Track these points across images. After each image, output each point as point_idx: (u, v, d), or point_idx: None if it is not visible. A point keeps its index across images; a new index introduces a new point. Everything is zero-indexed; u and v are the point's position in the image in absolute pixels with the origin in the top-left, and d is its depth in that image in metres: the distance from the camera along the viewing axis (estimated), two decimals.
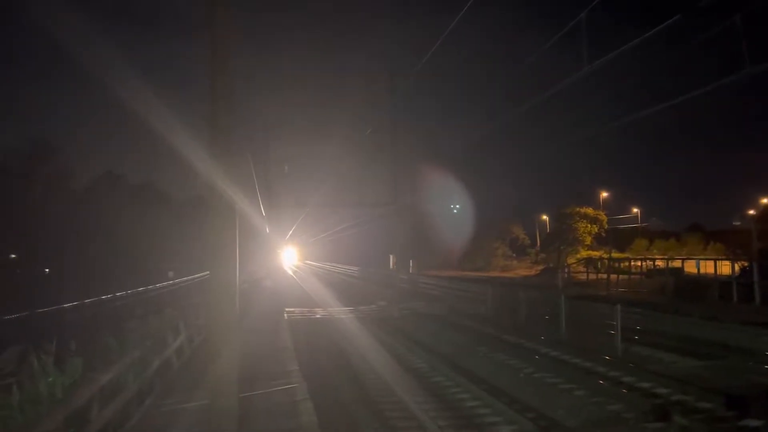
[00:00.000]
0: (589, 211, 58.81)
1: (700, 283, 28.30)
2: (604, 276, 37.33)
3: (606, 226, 59.17)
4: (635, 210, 66.97)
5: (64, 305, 26.45)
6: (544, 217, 69.69)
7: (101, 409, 7.14)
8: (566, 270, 45.97)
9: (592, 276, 39.57)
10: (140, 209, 58.99)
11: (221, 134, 6.85)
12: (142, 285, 38.67)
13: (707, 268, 31.33)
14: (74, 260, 47.00)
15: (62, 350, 9.90)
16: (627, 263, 41.51)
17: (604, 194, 65.68)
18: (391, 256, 61.71)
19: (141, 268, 53.35)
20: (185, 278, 48.38)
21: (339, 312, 23.87)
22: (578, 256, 56.06)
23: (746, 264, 24.89)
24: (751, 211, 45.16)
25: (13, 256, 52.42)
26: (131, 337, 12.86)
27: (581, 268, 45.30)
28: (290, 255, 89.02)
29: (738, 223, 50.26)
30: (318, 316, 23.63)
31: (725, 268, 27.92)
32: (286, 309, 23.89)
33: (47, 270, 50.12)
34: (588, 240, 58.78)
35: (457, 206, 64.37)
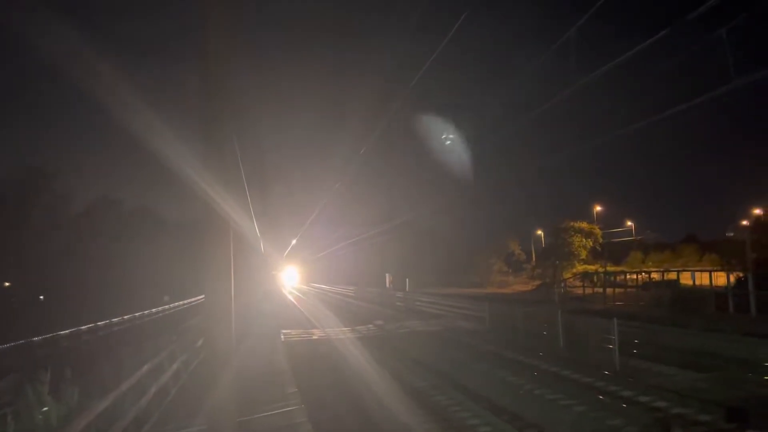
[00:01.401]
0: (584, 225, 59.03)
1: (696, 294, 28.36)
2: (600, 290, 37.36)
3: (601, 240, 59.34)
4: (629, 223, 67.21)
5: (60, 333, 26.21)
6: (539, 232, 69.88)
7: None
8: (562, 285, 46.00)
9: (589, 290, 39.59)
10: (136, 234, 58.89)
11: (215, 151, 6.90)
12: (137, 310, 38.43)
13: (703, 279, 31.41)
14: (70, 286, 46.77)
15: (58, 378, 9.82)
16: (623, 276, 41.57)
17: (598, 208, 65.95)
18: (387, 275, 61.69)
19: (137, 293, 53.05)
20: (181, 302, 48.14)
21: (336, 333, 23.80)
22: (574, 270, 56.14)
23: (741, 275, 24.96)
24: (745, 222, 45.41)
25: (7, 284, 52.11)
26: (127, 363, 12.75)
27: (577, 283, 45.34)
28: (290, 276, 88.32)
29: (732, 234, 50.46)
30: (315, 337, 23.52)
31: (720, 279, 28.00)
32: (283, 331, 23.80)
33: (42, 297, 49.80)
34: (583, 254, 58.91)
35: (452, 221, 64.53)
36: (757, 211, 44.43)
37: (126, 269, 53.33)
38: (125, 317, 35.36)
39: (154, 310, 41.70)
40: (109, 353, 15.20)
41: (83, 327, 28.81)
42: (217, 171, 6.81)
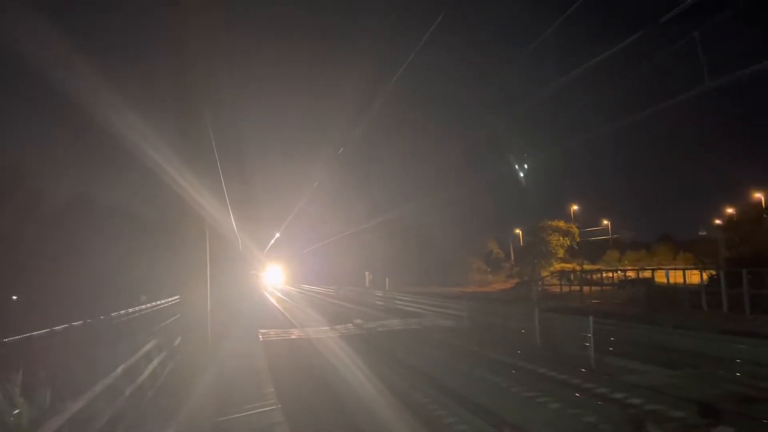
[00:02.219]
0: (561, 224, 59.63)
1: (670, 292, 28.83)
2: (578, 288, 37.76)
3: (578, 239, 60.03)
4: (606, 222, 68.04)
5: (33, 333, 25.74)
6: (518, 231, 70.41)
7: None
8: (540, 283, 46.42)
9: (566, 288, 39.99)
10: (112, 232, 58.08)
11: (191, 145, 6.84)
12: (113, 309, 37.92)
13: (677, 277, 31.92)
14: (44, 286, 45.95)
15: (30, 380, 9.65)
16: (599, 275, 42.07)
17: (575, 207, 66.65)
18: (366, 273, 61.69)
19: (113, 292, 52.32)
20: (158, 302, 47.61)
21: (315, 332, 23.76)
22: (551, 268, 56.69)
23: (714, 273, 25.41)
24: (718, 221, 46.25)
25: None
26: (102, 364, 12.58)
27: (555, 281, 45.78)
28: (273, 275, 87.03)
29: (705, 233, 51.39)
30: (294, 336, 23.44)
31: (694, 277, 28.47)
32: (261, 331, 23.68)
33: (15, 297, 48.87)
34: (561, 253, 59.51)
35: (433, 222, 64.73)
36: (730, 211, 45.33)
37: (102, 269, 52.58)
38: (101, 317, 34.86)
39: (130, 309, 41.20)
40: (83, 353, 14.99)
41: (57, 327, 28.35)
42: (195, 166, 6.76)
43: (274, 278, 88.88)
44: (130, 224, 66.17)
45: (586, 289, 36.81)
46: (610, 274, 40.76)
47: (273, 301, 51.38)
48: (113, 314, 36.73)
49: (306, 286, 75.47)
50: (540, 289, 42.07)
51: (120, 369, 10.15)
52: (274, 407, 10.26)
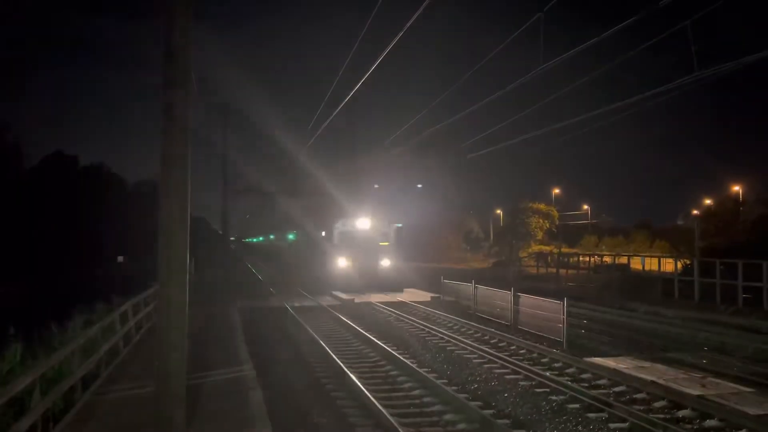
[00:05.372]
0: (542, 206, 60.06)
1: (644, 279, 29.30)
2: (554, 270, 38.22)
3: (557, 222, 60.59)
4: (585, 207, 68.70)
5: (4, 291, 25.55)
6: (499, 211, 70.78)
7: (42, 397, 6.95)
8: (517, 264, 46.89)
9: (542, 270, 40.44)
10: (91, 192, 57.34)
11: (176, 125, 6.73)
12: (92, 269, 37.72)
13: (652, 264, 32.44)
14: (18, 244, 45.35)
15: (1, 336, 9.56)
16: (576, 258, 42.57)
17: (556, 191, 67.14)
18: None
19: (91, 252, 51.90)
20: (136, 264, 47.35)
21: (302, 302, 24.09)
22: (530, 250, 57.24)
23: (688, 262, 25.84)
24: (695, 211, 46.91)
25: None
26: (77, 322, 12.50)
27: (532, 262, 46.26)
28: None
29: (682, 222, 52.12)
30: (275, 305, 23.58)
31: (669, 265, 28.94)
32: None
33: None
34: (540, 235, 60.05)
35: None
36: (708, 202, 45.98)
37: (79, 228, 52.03)
38: (77, 277, 34.67)
39: (109, 270, 41.01)
40: (58, 313, 14.91)
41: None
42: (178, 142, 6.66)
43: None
44: (111, 184, 65.43)
45: (562, 271, 37.27)
46: (587, 259, 41.25)
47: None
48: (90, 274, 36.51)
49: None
50: (517, 269, 42.50)
51: (95, 328, 10.14)
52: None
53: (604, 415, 9.12)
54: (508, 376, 11.72)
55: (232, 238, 71.55)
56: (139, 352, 12.21)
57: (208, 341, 13.61)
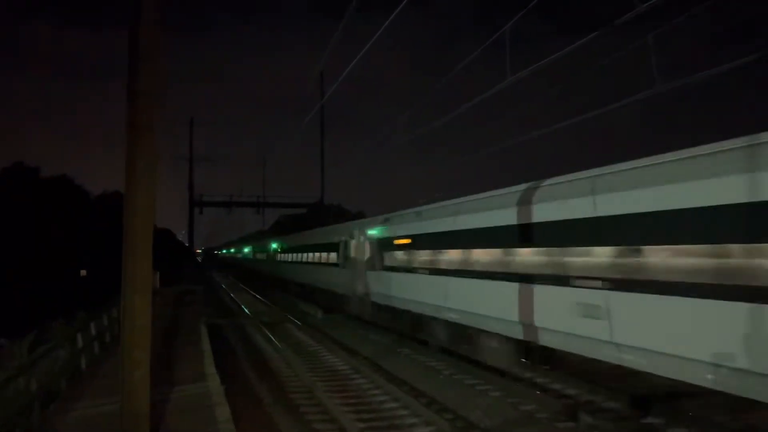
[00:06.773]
0: None
1: None
2: None
3: None
4: None
5: None
6: None
7: None
8: None
9: None
10: (52, 204, 55.89)
11: (142, 133, 6.59)
12: (52, 283, 36.59)
13: None
14: None
15: None
16: None
17: None
18: None
19: (51, 265, 50.47)
20: (99, 277, 46.15)
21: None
22: None
23: None
24: None
25: None
26: (32, 337, 12.07)
27: None
28: None
29: None
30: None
31: None
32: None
33: None
34: None
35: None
36: None
37: (39, 242, 50.57)
38: (37, 292, 33.65)
39: (70, 284, 39.92)
40: (13, 329, 14.41)
41: None
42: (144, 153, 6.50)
43: None
44: (74, 197, 63.80)
45: None
46: None
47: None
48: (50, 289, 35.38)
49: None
50: None
51: (54, 342, 9.83)
52: None
53: None
54: None
55: (198, 251, 70.50)
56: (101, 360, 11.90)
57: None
